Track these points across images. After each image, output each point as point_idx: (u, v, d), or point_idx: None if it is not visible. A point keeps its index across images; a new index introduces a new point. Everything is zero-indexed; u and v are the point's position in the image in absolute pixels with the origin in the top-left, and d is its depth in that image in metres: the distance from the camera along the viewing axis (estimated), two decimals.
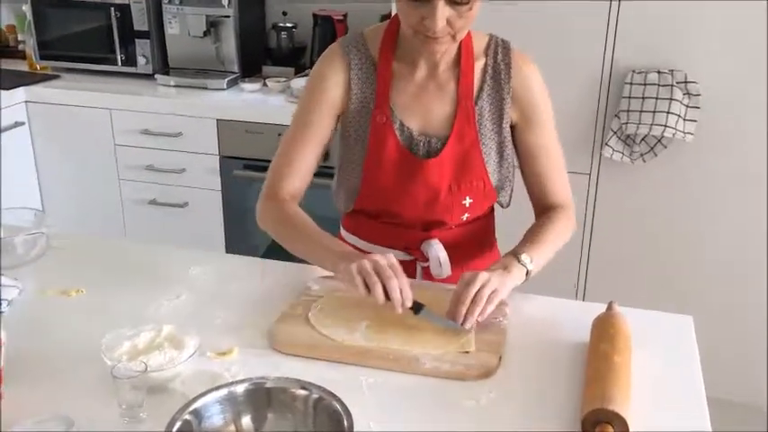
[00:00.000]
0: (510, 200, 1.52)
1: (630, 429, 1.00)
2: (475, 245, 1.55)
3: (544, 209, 1.49)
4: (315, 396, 1.00)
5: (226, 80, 2.91)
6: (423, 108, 1.42)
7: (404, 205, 1.45)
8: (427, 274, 1.51)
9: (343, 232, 1.60)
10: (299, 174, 1.47)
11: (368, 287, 1.22)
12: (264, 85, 2.92)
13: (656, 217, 2.47)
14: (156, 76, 2.98)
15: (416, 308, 1.25)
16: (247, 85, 2.90)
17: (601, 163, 2.45)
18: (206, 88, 2.90)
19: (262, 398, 1.01)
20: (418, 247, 1.49)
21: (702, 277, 2.48)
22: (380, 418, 1.08)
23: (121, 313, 1.33)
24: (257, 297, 1.41)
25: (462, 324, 1.24)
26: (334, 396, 0.98)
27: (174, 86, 2.94)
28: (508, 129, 1.44)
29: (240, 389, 1.01)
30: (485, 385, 1.15)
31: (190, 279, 1.48)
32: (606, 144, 2.38)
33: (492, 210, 1.58)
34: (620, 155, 2.38)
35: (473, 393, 1.13)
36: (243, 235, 2.84)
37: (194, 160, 2.83)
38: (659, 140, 2.33)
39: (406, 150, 1.42)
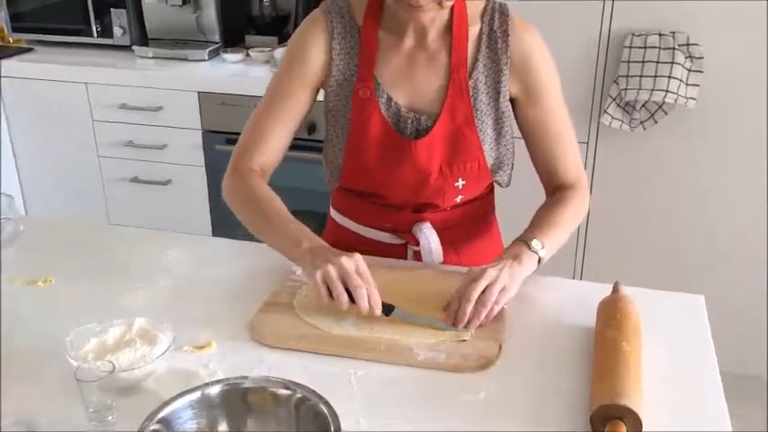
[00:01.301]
0: (510, 179, 1.42)
1: (644, 425, 0.92)
2: (472, 227, 1.44)
3: (555, 188, 1.38)
4: (298, 396, 0.91)
5: (207, 51, 2.79)
6: (411, 81, 1.31)
7: (390, 188, 1.35)
8: (418, 259, 1.41)
9: (331, 210, 1.51)
10: (270, 147, 1.36)
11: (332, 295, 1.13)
12: (247, 55, 2.80)
13: (657, 187, 2.38)
14: (133, 47, 2.86)
15: (387, 310, 1.16)
16: (229, 56, 2.78)
17: (599, 131, 2.35)
18: (186, 59, 2.79)
19: (239, 400, 0.92)
20: (409, 229, 1.39)
21: (706, 251, 2.40)
22: (370, 415, 1.00)
23: (92, 304, 1.24)
24: (238, 284, 1.31)
25: (467, 326, 1.14)
26: (319, 396, 0.90)
27: (153, 58, 2.83)
28: (507, 103, 1.32)
29: (215, 390, 0.92)
30: (484, 377, 1.07)
31: (167, 264, 1.38)
32: (605, 111, 2.28)
33: (491, 189, 1.47)
34: (620, 122, 2.28)
35: (471, 387, 1.05)
36: (229, 212, 2.73)
37: (176, 135, 2.72)
38: (660, 107, 2.24)
39: (393, 129, 1.31)
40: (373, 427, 0.98)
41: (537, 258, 1.23)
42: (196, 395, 0.91)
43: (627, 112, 2.27)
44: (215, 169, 2.72)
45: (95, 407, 0.97)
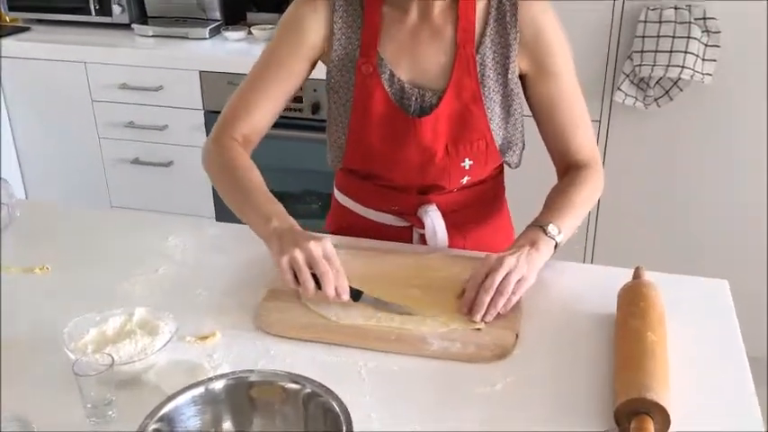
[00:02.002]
0: (520, 159, 1.36)
1: (672, 420, 0.87)
2: (480, 210, 1.39)
3: (567, 168, 1.32)
4: (307, 391, 0.86)
5: (208, 29, 2.73)
6: (415, 57, 1.25)
7: (394, 168, 1.30)
8: (423, 243, 1.36)
9: (335, 191, 1.46)
10: (255, 117, 1.30)
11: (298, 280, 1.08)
12: (249, 33, 2.73)
13: (671, 167, 2.31)
14: (132, 26, 2.80)
15: (355, 296, 1.12)
16: (231, 34, 2.72)
17: (612, 109, 2.28)
18: (187, 38, 2.73)
19: (245, 395, 0.87)
20: (414, 212, 1.34)
21: (723, 233, 2.33)
22: (382, 409, 0.95)
23: (90, 293, 1.19)
24: (243, 270, 1.26)
25: (484, 317, 1.09)
26: (329, 392, 0.85)
27: (153, 37, 2.76)
28: (516, 80, 1.26)
29: (219, 385, 0.87)
30: (500, 368, 1.02)
31: (168, 250, 1.33)
32: (618, 88, 2.21)
33: (501, 170, 1.41)
34: (633, 99, 2.21)
35: (487, 378, 1.00)
36: None
37: (177, 116, 2.66)
38: (675, 83, 2.17)
39: (396, 106, 1.26)
40: (385, 421, 0.93)
41: (554, 244, 1.18)
42: (199, 390, 0.86)
43: (641, 89, 2.21)
44: None
45: (94, 402, 0.93)
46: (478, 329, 1.08)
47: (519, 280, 1.10)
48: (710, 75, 2.14)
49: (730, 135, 2.23)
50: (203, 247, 1.34)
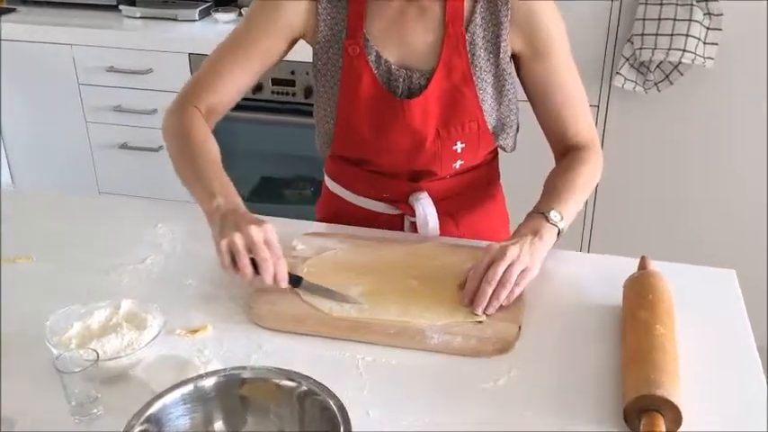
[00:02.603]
0: (515, 143, 1.32)
1: (683, 416, 0.83)
2: (473, 196, 1.34)
3: (565, 151, 1.28)
4: (303, 389, 0.82)
5: (198, 10, 2.66)
6: (402, 36, 1.20)
7: (384, 154, 1.25)
8: (416, 231, 1.31)
9: (325, 178, 1.41)
10: (222, 89, 1.25)
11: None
12: (240, 14, 2.66)
13: (671, 153, 2.27)
14: (120, 7, 2.72)
15: (294, 281, 1.08)
16: (221, 15, 2.65)
17: (611, 94, 2.24)
18: (176, 19, 2.66)
19: (237, 393, 0.83)
20: (405, 199, 1.30)
21: (724, 220, 2.30)
22: (380, 406, 0.91)
23: (75, 284, 1.14)
24: None
25: (486, 309, 1.05)
26: (326, 389, 0.81)
27: (141, 18, 2.69)
28: (507, 59, 1.21)
29: (210, 383, 0.82)
30: (503, 362, 0.98)
31: (157, 239, 1.29)
32: (617, 73, 2.17)
33: (495, 156, 1.36)
34: (633, 84, 2.17)
35: (490, 373, 0.96)
36: None
37: (166, 99, 2.49)
38: (676, 67, 2.12)
39: (384, 88, 1.21)
40: (384, 418, 0.89)
41: (557, 231, 1.14)
42: (189, 388, 0.82)
43: (641, 73, 2.16)
44: None
45: (78, 399, 0.88)
46: (480, 322, 1.04)
47: (522, 271, 1.06)
48: (712, 58, 2.09)
49: (731, 120, 2.19)
50: (193, 236, 1.29)
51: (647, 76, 2.15)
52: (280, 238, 1.24)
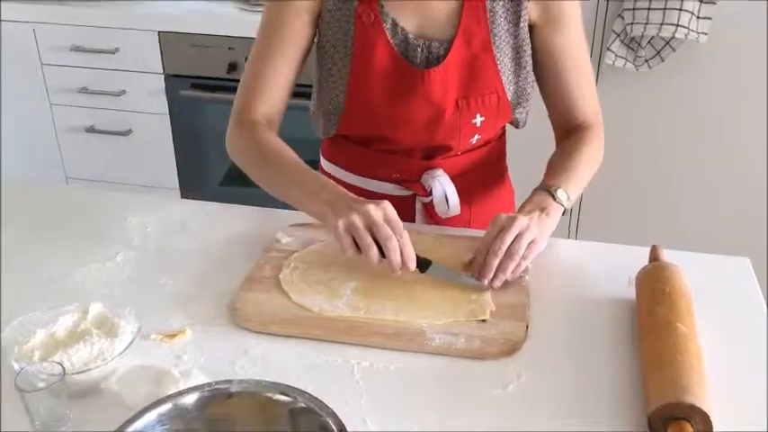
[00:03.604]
0: (527, 118, 1.26)
1: (714, 425, 0.76)
2: (484, 175, 1.29)
3: (568, 129, 1.22)
4: (299, 405, 0.73)
5: None
6: (420, 3, 1.14)
7: (400, 128, 1.18)
8: (428, 213, 1.25)
9: (323, 162, 1.33)
10: (273, 94, 1.18)
11: (359, 247, 0.97)
12: None
13: (663, 132, 2.20)
14: None
15: (422, 266, 1.00)
16: None
17: (600, 71, 2.16)
18: None
19: (223, 411, 0.74)
20: (417, 179, 1.23)
21: (718, 201, 2.24)
22: (379, 416, 0.83)
23: (37, 285, 1.04)
24: (215, 255, 1.13)
25: (491, 281, 1.00)
26: (324, 406, 0.72)
27: None
28: (526, 29, 1.16)
29: (191, 399, 0.74)
30: (510, 365, 0.90)
31: (127, 233, 1.19)
32: (608, 49, 2.09)
33: (503, 132, 1.31)
34: (624, 61, 2.09)
35: (498, 377, 0.88)
36: (197, 163, 2.54)
37: (135, 80, 2.48)
38: (668, 43, 2.05)
39: (401, 58, 1.14)
40: (383, 429, 0.81)
41: (562, 210, 1.09)
42: (167, 406, 0.72)
43: (631, 49, 2.09)
44: (180, 117, 2.50)
45: (43, 419, 0.79)
46: (483, 320, 0.96)
47: (530, 243, 1.01)
48: (705, 34, 2.02)
49: (725, 98, 2.13)
50: (168, 229, 1.20)
51: (638, 52, 2.08)
52: (265, 232, 1.16)
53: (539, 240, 1.02)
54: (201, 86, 2.38)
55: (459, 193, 1.23)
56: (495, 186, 1.32)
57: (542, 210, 1.06)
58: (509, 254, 1.00)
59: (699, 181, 2.24)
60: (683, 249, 1.11)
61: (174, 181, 2.58)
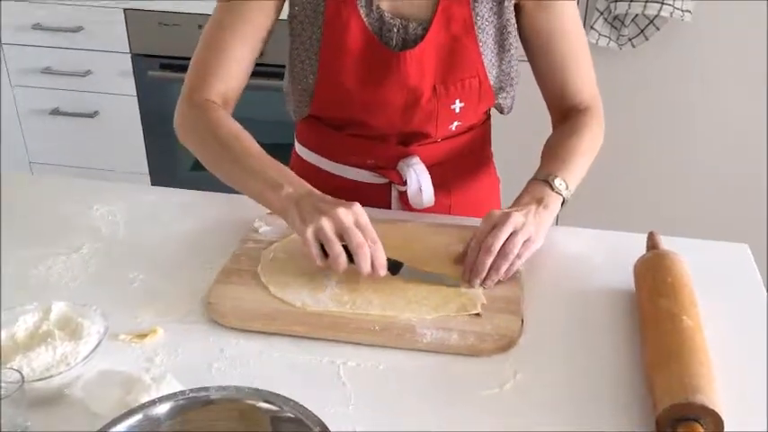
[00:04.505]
0: (513, 104, 1.19)
1: (725, 425, 0.72)
2: (466, 164, 1.22)
3: (565, 113, 1.16)
4: (286, 415, 0.67)
5: None
6: None
7: (373, 112, 1.11)
8: (404, 202, 1.18)
9: (297, 146, 1.26)
10: (231, 72, 1.09)
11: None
12: None
13: (646, 114, 2.16)
14: None
15: (393, 268, 0.94)
16: None
17: None
18: None
19: (199, 421, 0.68)
20: (394, 166, 1.16)
21: (704, 184, 2.20)
22: (367, 421, 0.77)
23: None
24: (189, 246, 1.06)
25: (484, 282, 0.94)
26: (310, 415, 0.66)
27: None
28: (512, 9, 1.08)
29: (163, 410, 0.67)
30: (507, 362, 0.85)
31: (93, 222, 1.11)
32: (591, 27, 2.04)
33: (488, 117, 1.24)
34: (607, 40, 2.05)
35: (493, 376, 0.83)
36: (168, 147, 2.44)
37: (101, 60, 2.37)
38: (651, 21, 2.00)
39: (376, 39, 1.07)
40: None
41: (561, 200, 1.03)
42: (136, 418, 0.66)
43: (615, 27, 2.04)
44: (148, 99, 2.41)
45: (2, 430, 0.72)
46: (477, 314, 0.90)
47: (525, 241, 0.95)
48: (690, 12, 1.98)
49: (709, 76, 2.09)
50: (137, 218, 1.12)
51: (621, 31, 2.03)
52: (237, 219, 1.09)
53: (534, 239, 0.96)
54: (171, 66, 2.29)
55: (438, 183, 1.16)
56: (478, 175, 1.25)
57: (539, 202, 1.00)
58: (502, 253, 0.94)
59: (686, 165, 2.20)
60: (672, 232, 1.06)
61: (144, 166, 2.49)
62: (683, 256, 0.94)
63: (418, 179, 1.14)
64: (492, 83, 1.11)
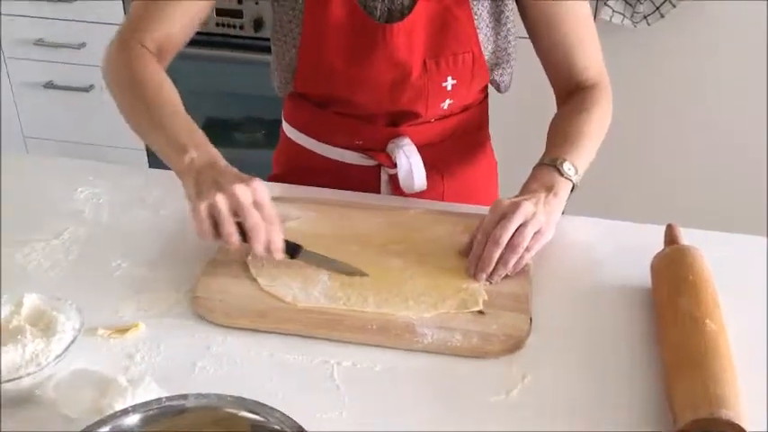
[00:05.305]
0: (510, 81, 1.13)
1: None
2: (461, 145, 1.15)
3: (571, 90, 1.09)
4: (269, 427, 0.61)
5: None
6: None
7: (359, 90, 1.05)
8: (395, 186, 1.12)
9: (284, 125, 1.20)
10: (172, 19, 1.02)
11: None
12: None
13: (663, 94, 2.08)
14: None
15: (291, 250, 0.88)
16: None
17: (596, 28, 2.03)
18: None
19: (173, 426, 0.62)
20: (383, 147, 1.10)
21: (723, 175, 2.12)
22: (362, 427, 0.71)
23: None
24: (176, 232, 0.99)
25: (490, 276, 0.88)
26: (294, 425, 0.60)
27: None
28: None
29: (134, 420, 0.61)
30: (513, 366, 0.79)
31: (77, 206, 1.05)
32: (605, 4, 1.96)
33: (485, 95, 1.17)
34: (621, 17, 1.96)
35: (498, 380, 0.77)
36: None
37: (96, 32, 2.29)
38: None
39: (360, 10, 1.01)
40: None
41: (571, 186, 0.97)
42: (105, 430, 0.60)
43: (629, 4, 1.95)
44: None
45: None
46: (481, 312, 0.84)
47: (535, 233, 0.89)
48: None
49: (729, 56, 2.00)
50: (123, 202, 1.06)
51: (636, 8, 1.95)
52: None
53: (545, 230, 0.90)
54: None
55: (431, 165, 1.10)
56: (474, 158, 1.18)
57: (549, 189, 0.93)
58: (511, 246, 0.87)
59: (702, 150, 2.12)
60: (687, 224, 0.99)
61: (140, 142, 2.42)
62: (703, 251, 0.87)
63: (409, 161, 1.08)
64: (487, 58, 1.05)
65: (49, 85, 2.41)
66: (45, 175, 1.13)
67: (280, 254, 0.86)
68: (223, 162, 0.89)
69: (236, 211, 0.83)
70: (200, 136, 0.92)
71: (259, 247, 0.84)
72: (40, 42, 2.33)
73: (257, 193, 0.85)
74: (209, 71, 2.31)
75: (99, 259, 0.94)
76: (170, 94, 0.97)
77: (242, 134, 2.41)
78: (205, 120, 2.48)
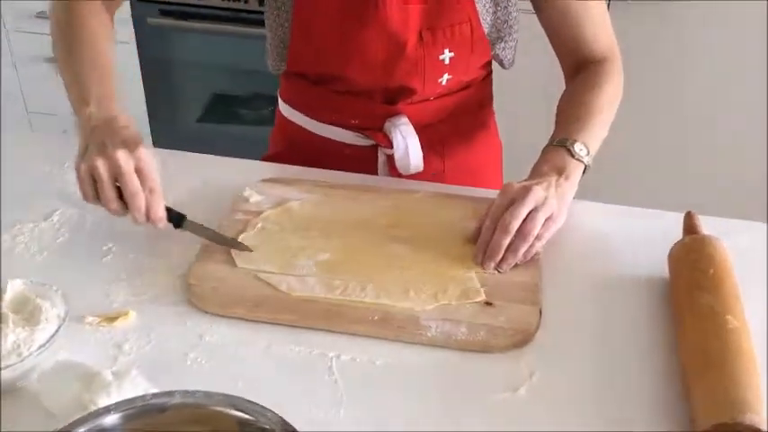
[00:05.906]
0: (514, 56, 1.08)
1: None
2: (463, 125, 1.11)
3: (579, 65, 1.04)
4: (258, 426, 0.57)
5: None
6: None
7: (352, 64, 1.01)
8: (392, 166, 1.08)
9: (280, 103, 1.16)
10: None
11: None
12: None
13: (679, 73, 2.01)
14: None
15: (175, 220, 0.87)
16: None
17: (609, 2, 1.96)
18: None
19: (155, 422, 0.58)
20: (379, 127, 1.06)
21: (745, 157, 2.06)
22: (360, 425, 0.68)
23: None
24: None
25: (499, 265, 0.84)
26: (287, 426, 0.56)
27: None
28: None
29: (114, 419, 0.58)
30: (521, 360, 0.75)
31: (68, 187, 1.00)
32: None
33: (488, 73, 1.12)
34: None
35: (507, 376, 0.73)
36: (169, 98, 2.34)
37: None
38: None
39: None
40: None
41: (582, 168, 0.92)
42: (85, 428, 0.57)
43: None
44: (148, 46, 2.29)
45: None
46: (488, 303, 0.80)
47: (547, 219, 0.85)
48: None
49: (747, 30, 1.92)
50: None
51: None
52: (228, 186, 0.99)
53: (557, 216, 0.85)
54: (171, 13, 2.16)
55: (431, 146, 1.06)
56: (476, 138, 1.13)
57: (560, 172, 0.88)
58: (521, 233, 0.83)
59: (717, 131, 2.06)
60: (703, 209, 0.94)
61: (144, 116, 2.38)
62: (724, 241, 0.82)
63: (405, 141, 1.04)
64: (487, 31, 1.00)
65: (52, 60, 2.35)
66: (33, 150, 1.09)
67: (162, 222, 0.85)
68: (121, 122, 0.86)
69: (117, 177, 0.82)
70: (110, 92, 0.90)
71: (139, 215, 0.83)
72: (41, 15, 2.28)
73: (140, 161, 0.82)
74: (214, 46, 2.27)
75: (89, 242, 0.90)
76: (102, 48, 0.95)
77: (249, 111, 2.37)
78: (211, 96, 2.45)
